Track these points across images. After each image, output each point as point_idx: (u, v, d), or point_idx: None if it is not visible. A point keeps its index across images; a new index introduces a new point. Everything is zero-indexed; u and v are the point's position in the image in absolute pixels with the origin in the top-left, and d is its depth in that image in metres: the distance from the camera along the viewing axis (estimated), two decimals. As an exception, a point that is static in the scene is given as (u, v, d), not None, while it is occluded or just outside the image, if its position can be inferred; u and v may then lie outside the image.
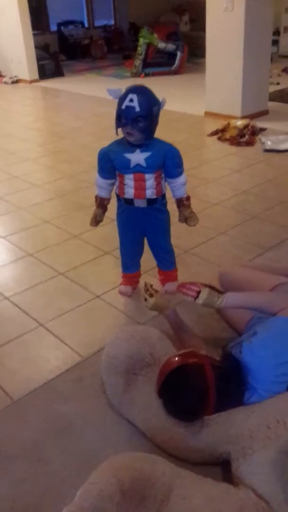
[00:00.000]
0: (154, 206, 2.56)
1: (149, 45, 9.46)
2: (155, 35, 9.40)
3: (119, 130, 2.39)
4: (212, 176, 4.63)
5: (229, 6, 5.72)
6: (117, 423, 2.02)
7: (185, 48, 9.63)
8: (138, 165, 2.43)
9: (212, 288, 2.14)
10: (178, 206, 2.63)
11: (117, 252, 2.91)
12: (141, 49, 9.41)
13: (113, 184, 2.59)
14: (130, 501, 1.48)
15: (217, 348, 2.21)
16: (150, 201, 2.54)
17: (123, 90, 2.33)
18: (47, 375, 2.30)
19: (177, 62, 9.65)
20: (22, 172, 4.94)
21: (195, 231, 3.16)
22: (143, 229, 2.67)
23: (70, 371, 2.32)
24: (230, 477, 1.72)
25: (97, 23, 12.48)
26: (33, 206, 4.14)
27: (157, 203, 2.57)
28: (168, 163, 2.48)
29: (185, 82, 9.00)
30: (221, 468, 1.80)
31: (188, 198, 2.61)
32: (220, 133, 5.69)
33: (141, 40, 9.38)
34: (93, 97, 8.15)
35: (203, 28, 6.38)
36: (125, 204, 2.58)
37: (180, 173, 2.54)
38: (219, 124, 5.84)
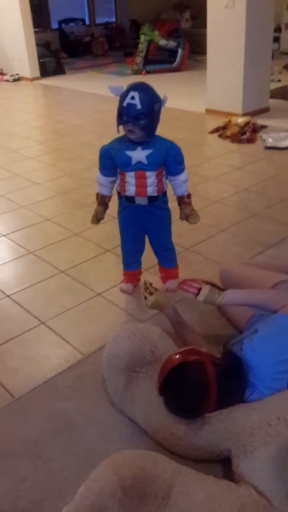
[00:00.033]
0: (155, 204, 2.56)
1: (150, 42, 9.45)
2: (156, 32, 9.39)
3: (121, 127, 2.39)
4: (213, 173, 4.62)
5: (230, 3, 5.71)
6: (118, 421, 2.02)
7: (186, 45, 9.62)
8: (139, 162, 2.42)
9: (213, 285, 2.15)
10: (179, 204, 2.63)
11: (118, 250, 2.91)
12: (142, 46, 9.40)
13: (114, 181, 2.59)
14: (131, 498, 1.48)
15: (218, 345, 2.21)
16: (151, 199, 2.53)
17: (125, 88, 2.33)
18: (48, 373, 2.31)
19: (178, 59, 9.64)
20: (23, 170, 4.94)
21: (196, 228, 3.17)
22: (144, 226, 2.67)
23: (71, 369, 2.32)
24: (231, 475, 1.72)
25: (98, 20, 12.46)
26: (34, 204, 4.14)
27: (158, 201, 2.56)
28: (169, 160, 2.48)
29: (186, 79, 8.99)
30: (222, 465, 1.81)
31: (189, 196, 2.61)
32: (221, 131, 5.68)
33: (142, 37, 9.37)
34: (94, 94, 8.15)
35: (204, 25, 6.38)
36: (126, 201, 2.58)
37: (181, 171, 2.54)
38: (220, 122, 5.83)
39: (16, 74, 9.68)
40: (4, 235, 3.64)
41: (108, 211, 2.70)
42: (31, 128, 6.52)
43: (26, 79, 9.61)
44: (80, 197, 4.20)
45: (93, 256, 3.28)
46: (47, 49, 10.19)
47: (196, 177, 4.37)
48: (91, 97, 8.08)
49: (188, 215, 2.63)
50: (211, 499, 1.54)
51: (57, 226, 3.74)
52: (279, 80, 8.01)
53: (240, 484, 1.63)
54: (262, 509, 1.53)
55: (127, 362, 2.08)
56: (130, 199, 2.55)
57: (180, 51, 9.58)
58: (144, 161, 2.42)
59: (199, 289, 2.10)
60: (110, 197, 2.66)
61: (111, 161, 2.50)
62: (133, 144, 2.41)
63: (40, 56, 9.62)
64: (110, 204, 2.68)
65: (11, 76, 9.67)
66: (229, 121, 5.68)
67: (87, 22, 12.27)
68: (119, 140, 2.48)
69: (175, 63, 9.67)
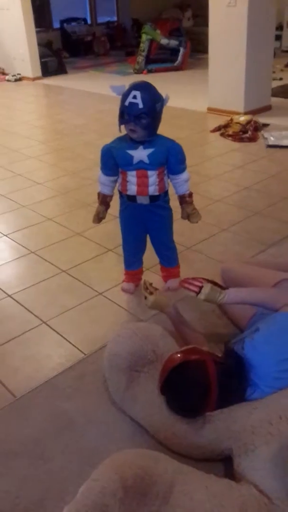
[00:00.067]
0: (156, 203, 2.56)
1: (152, 41, 9.44)
2: (158, 31, 9.38)
3: (122, 127, 2.39)
4: (214, 172, 4.62)
5: (232, 2, 5.70)
6: (119, 420, 2.02)
7: (188, 44, 9.61)
8: (141, 161, 2.42)
9: (214, 283, 2.15)
10: (181, 203, 2.62)
11: (120, 249, 2.91)
12: (144, 45, 9.39)
13: (115, 181, 2.59)
14: (132, 497, 1.48)
15: (219, 344, 2.20)
16: (153, 198, 2.53)
17: (127, 87, 2.33)
18: (49, 372, 2.31)
19: (180, 58, 9.63)
20: (25, 169, 4.94)
21: (198, 227, 3.16)
22: (146, 226, 2.67)
23: (73, 368, 2.32)
24: (232, 473, 1.72)
25: (100, 19, 12.45)
26: (36, 204, 4.14)
27: (160, 200, 2.56)
28: (171, 159, 2.47)
29: (188, 78, 8.99)
30: (223, 464, 1.80)
31: (190, 195, 2.60)
32: (222, 129, 5.68)
33: (144, 37, 9.36)
34: (96, 94, 8.14)
35: (206, 24, 6.37)
36: (127, 201, 2.58)
37: (183, 170, 2.53)
38: (221, 120, 5.82)
39: (18, 74, 9.68)
40: (5, 235, 3.64)
41: (109, 211, 2.70)
42: (32, 128, 6.53)
43: (27, 78, 9.61)
44: (81, 197, 4.20)
45: (94, 255, 3.28)
46: (49, 48, 10.19)
47: (197, 176, 4.37)
48: (93, 97, 8.08)
49: (190, 214, 2.62)
50: (212, 498, 1.53)
51: (59, 225, 3.74)
52: (281, 78, 7.99)
53: (241, 483, 1.63)
54: (264, 507, 1.53)
55: (128, 362, 2.07)
56: (132, 198, 2.55)
57: (181, 50, 9.57)
58: (146, 160, 2.42)
59: (201, 287, 2.10)
60: (111, 196, 2.66)
61: (113, 161, 2.49)
62: (135, 143, 2.41)
63: (41, 56, 9.61)
64: (111, 203, 2.68)
65: (12, 76, 9.66)
66: (231, 120, 5.67)
67: (89, 21, 12.26)
68: (120, 139, 2.48)
69: (177, 62, 9.66)
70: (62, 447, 1.93)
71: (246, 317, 2.29)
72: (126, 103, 2.29)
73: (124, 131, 2.42)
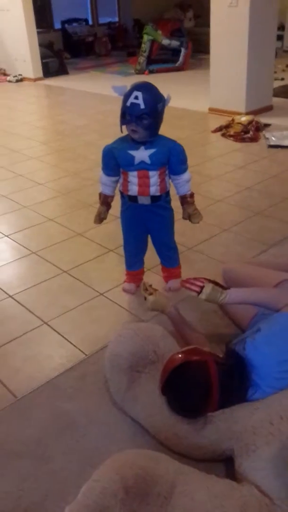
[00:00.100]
0: (158, 203, 2.56)
1: (153, 41, 9.45)
2: (159, 32, 9.38)
3: (124, 127, 2.39)
4: (216, 172, 4.61)
5: (233, 2, 5.70)
6: (121, 421, 2.02)
7: (189, 44, 9.61)
8: (142, 162, 2.42)
9: (215, 283, 2.14)
10: (182, 203, 2.62)
11: (121, 250, 2.91)
12: (145, 46, 9.40)
13: (117, 181, 2.59)
14: (133, 498, 1.48)
15: (220, 344, 2.20)
16: (154, 198, 2.53)
17: (128, 87, 2.33)
18: (50, 373, 2.31)
19: (181, 58, 9.64)
20: (26, 170, 4.94)
21: (199, 228, 3.16)
22: (147, 226, 2.67)
23: (74, 368, 2.32)
24: (233, 474, 1.72)
25: (101, 20, 12.45)
26: (37, 204, 4.15)
27: (161, 200, 2.56)
28: (173, 160, 2.47)
29: (189, 78, 8.99)
30: (224, 464, 1.80)
31: (192, 195, 2.60)
32: (224, 129, 5.67)
33: (145, 37, 9.37)
34: (97, 94, 8.15)
35: (207, 24, 6.36)
36: (129, 201, 2.58)
37: (184, 170, 2.53)
38: (223, 120, 5.82)
39: (19, 75, 9.69)
40: (6, 236, 3.64)
41: (110, 211, 2.70)
42: (34, 129, 6.53)
43: (29, 79, 9.62)
44: (82, 197, 4.20)
45: (95, 256, 3.28)
46: (50, 49, 10.19)
47: (199, 176, 4.37)
48: (94, 97, 8.09)
49: (191, 215, 2.62)
50: (214, 498, 1.53)
51: (60, 226, 3.74)
52: (283, 79, 7.99)
53: (242, 483, 1.62)
54: (265, 508, 1.52)
55: (129, 362, 2.07)
56: (133, 199, 2.55)
57: (183, 50, 9.57)
58: (147, 160, 2.41)
59: (202, 287, 2.10)
60: (112, 196, 2.66)
61: (114, 161, 2.49)
62: (136, 144, 2.40)
63: (43, 57, 9.62)
64: (112, 204, 2.68)
65: (14, 76, 9.67)
66: (232, 120, 5.67)
67: (90, 22, 12.27)
68: (122, 139, 2.48)
69: (178, 62, 9.67)
70: (63, 447, 1.93)
71: (247, 318, 2.29)
72: (128, 104, 2.28)
73: (125, 132, 2.41)
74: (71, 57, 11.36)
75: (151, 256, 2.85)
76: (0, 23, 9.55)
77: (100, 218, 2.68)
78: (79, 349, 2.45)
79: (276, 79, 7.11)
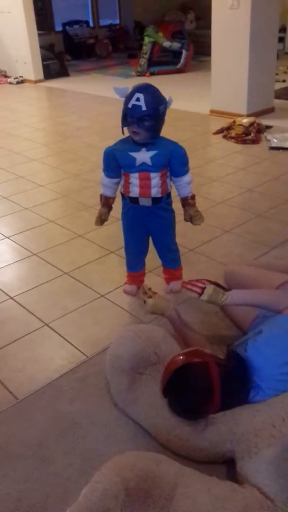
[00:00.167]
0: (159, 205, 2.56)
1: (154, 43, 9.46)
2: (160, 34, 9.40)
3: (125, 129, 2.39)
4: (217, 174, 4.61)
5: (234, 4, 5.70)
6: (122, 423, 2.02)
7: (190, 46, 9.62)
8: (143, 163, 2.42)
9: (217, 285, 2.14)
10: (183, 205, 2.62)
11: (122, 251, 2.91)
12: (146, 48, 9.41)
13: (118, 183, 2.59)
14: (134, 500, 1.47)
15: (221, 346, 2.19)
16: (155, 200, 2.53)
17: (130, 89, 2.33)
18: (51, 374, 2.30)
19: (182, 60, 9.65)
20: (27, 172, 4.94)
21: (200, 229, 3.17)
22: (148, 228, 2.67)
23: (75, 370, 2.32)
24: (235, 476, 1.71)
25: (102, 22, 12.48)
26: (38, 206, 4.15)
27: (162, 202, 2.56)
28: (174, 162, 2.47)
29: (191, 80, 8.99)
30: (226, 466, 1.80)
31: (193, 197, 2.60)
32: (225, 131, 5.68)
33: (146, 39, 9.38)
34: (98, 96, 8.16)
35: (208, 26, 6.37)
36: (130, 203, 2.58)
37: (186, 172, 2.53)
38: (224, 122, 5.83)
39: (20, 77, 9.70)
40: (7, 237, 3.64)
41: (112, 213, 2.70)
42: (35, 130, 6.53)
43: (30, 81, 9.64)
44: (83, 199, 4.20)
45: (96, 257, 3.28)
46: (51, 51, 10.22)
47: (200, 178, 4.37)
48: (95, 99, 8.09)
49: (192, 216, 2.62)
50: (215, 500, 1.53)
51: (61, 228, 3.74)
52: (284, 80, 8.00)
53: (244, 485, 1.62)
54: (266, 510, 1.52)
55: (130, 364, 2.07)
56: (134, 200, 2.54)
57: (184, 52, 9.58)
58: (149, 162, 2.41)
59: (203, 289, 2.10)
60: (114, 198, 2.66)
61: (115, 163, 2.49)
62: (138, 146, 2.40)
63: (44, 59, 9.64)
64: (114, 205, 2.68)
65: (15, 78, 9.68)
66: (234, 122, 5.67)
67: (91, 24, 12.29)
68: (123, 141, 2.48)
69: (179, 64, 9.68)
70: (64, 449, 1.92)
71: (249, 319, 2.28)
72: (129, 106, 2.28)
73: (127, 133, 2.41)
74: (72, 59, 11.39)
75: (152, 258, 2.84)
76: (1, 25, 9.57)
77: (101, 219, 2.68)
78: (80, 351, 2.45)
79: (277, 81, 7.12)
